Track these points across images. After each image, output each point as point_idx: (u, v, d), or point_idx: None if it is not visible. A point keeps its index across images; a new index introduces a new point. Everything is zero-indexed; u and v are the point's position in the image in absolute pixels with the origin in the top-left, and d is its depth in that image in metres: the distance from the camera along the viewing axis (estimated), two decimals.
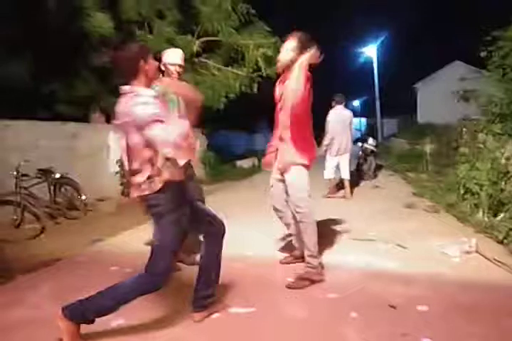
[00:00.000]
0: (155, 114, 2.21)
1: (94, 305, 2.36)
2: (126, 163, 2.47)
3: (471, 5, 27.12)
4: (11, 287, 3.40)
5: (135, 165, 2.37)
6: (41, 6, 7.51)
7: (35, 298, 3.12)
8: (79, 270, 3.75)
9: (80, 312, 2.34)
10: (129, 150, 2.38)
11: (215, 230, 2.66)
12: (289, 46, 3.23)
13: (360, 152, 9.92)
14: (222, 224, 2.68)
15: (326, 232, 4.65)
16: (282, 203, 3.49)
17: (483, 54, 6.58)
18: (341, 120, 7.27)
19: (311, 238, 3.25)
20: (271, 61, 10.04)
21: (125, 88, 2.35)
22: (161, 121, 2.21)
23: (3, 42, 7.46)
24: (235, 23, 9.92)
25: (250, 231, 4.95)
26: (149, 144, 2.27)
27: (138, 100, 2.25)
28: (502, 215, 4.63)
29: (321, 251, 3.84)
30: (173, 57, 3.66)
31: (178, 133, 2.24)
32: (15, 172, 5.36)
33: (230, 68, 10.34)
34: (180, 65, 3.66)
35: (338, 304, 2.84)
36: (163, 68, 3.62)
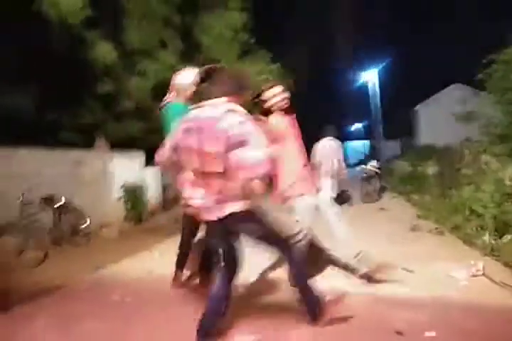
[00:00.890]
0: (249, 133, 2.32)
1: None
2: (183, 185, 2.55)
3: (470, 28, 27.64)
4: (10, 315, 3.35)
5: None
6: (46, 35, 7.73)
7: (32, 328, 3.07)
8: (79, 299, 3.71)
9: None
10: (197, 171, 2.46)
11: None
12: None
13: (364, 174, 9.93)
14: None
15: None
16: None
17: (480, 76, 6.69)
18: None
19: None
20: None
21: (216, 101, 2.45)
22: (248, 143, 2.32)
23: (7, 72, 7.66)
24: (236, 51, 10.17)
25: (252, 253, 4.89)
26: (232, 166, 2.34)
27: (235, 118, 2.36)
28: (508, 237, 4.58)
29: (326, 274, 3.80)
30: (189, 77, 3.58)
31: (268, 158, 2.31)
32: (19, 199, 5.39)
33: None
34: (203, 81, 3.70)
35: (345, 329, 2.78)
36: (177, 90, 3.67)
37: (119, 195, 7.88)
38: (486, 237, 4.82)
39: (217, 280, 2.63)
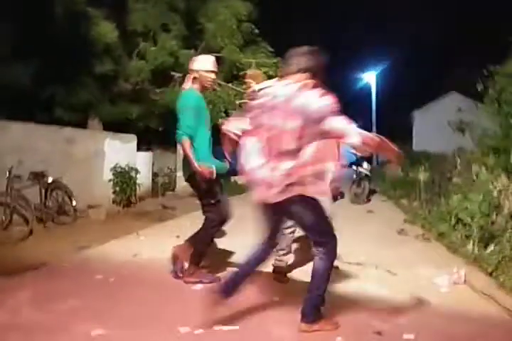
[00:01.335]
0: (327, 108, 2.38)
1: (313, 299, 2.62)
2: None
3: (470, 38, 27.84)
4: None
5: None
6: (48, 11, 7.59)
7: (14, 302, 3.04)
8: (63, 276, 3.68)
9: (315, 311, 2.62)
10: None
11: None
12: None
13: (355, 175, 9.97)
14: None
15: None
16: None
17: (479, 87, 6.72)
18: None
19: None
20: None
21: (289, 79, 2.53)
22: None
23: (8, 44, 7.52)
24: (238, 42, 10.10)
25: (243, 246, 4.90)
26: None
27: (311, 94, 2.42)
28: (492, 248, 4.63)
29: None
30: (208, 64, 3.56)
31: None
32: (7, 174, 5.32)
33: (230, 84, 10.45)
34: (215, 72, 3.61)
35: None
36: (195, 76, 3.53)
37: (109, 177, 7.82)
38: (471, 246, 4.88)
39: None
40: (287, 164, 2.46)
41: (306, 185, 2.48)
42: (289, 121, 2.43)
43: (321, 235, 2.68)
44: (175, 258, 3.65)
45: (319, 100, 2.39)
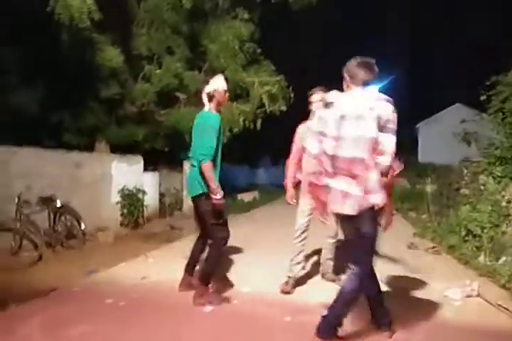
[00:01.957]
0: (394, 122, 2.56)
1: (331, 318, 2.60)
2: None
3: (471, 50, 28.02)
4: (2, 316, 3.32)
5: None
6: (55, 37, 7.78)
7: (26, 329, 3.04)
8: (73, 301, 3.68)
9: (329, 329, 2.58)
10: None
11: None
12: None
13: None
14: None
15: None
16: None
17: (483, 98, 6.73)
18: None
19: None
20: (275, 98, 10.30)
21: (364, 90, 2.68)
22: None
23: (16, 69, 7.70)
24: (241, 61, 10.24)
25: (249, 266, 4.88)
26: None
27: (388, 106, 2.58)
28: (504, 258, 4.58)
29: (324, 291, 3.79)
30: (222, 83, 3.70)
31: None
32: (16, 199, 5.38)
33: (235, 104, 10.57)
34: (228, 91, 3.77)
35: None
36: (212, 95, 3.64)
37: (117, 199, 7.87)
38: (482, 258, 4.82)
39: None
40: (364, 175, 2.53)
41: (376, 195, 2.56)
42: (370, 131, 2.53)
43: (365, 253, 2.70)
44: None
45: (392, 112, 2.55)
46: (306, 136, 3.02)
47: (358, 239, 2.68)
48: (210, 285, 3.63)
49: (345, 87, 2.82)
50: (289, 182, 4.08)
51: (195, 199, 3.63)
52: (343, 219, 2.73)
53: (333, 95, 2.74)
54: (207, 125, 3.52)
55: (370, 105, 2.56)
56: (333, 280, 4.09)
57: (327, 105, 2.69)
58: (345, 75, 2.77)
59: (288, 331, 2.99)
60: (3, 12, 6.95)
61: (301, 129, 4.00)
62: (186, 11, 9.28)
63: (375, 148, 2.52)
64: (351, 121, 2.56)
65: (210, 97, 3.64)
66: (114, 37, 8.62)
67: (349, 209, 2.54)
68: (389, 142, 2.53)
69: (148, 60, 9.59)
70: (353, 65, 2.74)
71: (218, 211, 3.50)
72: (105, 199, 7.73)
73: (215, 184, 3.41)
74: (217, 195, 3.40)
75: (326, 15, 15.09)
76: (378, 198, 2.55)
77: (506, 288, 3.90)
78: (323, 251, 4.21)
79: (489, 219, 5.13)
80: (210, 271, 3.58)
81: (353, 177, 2.54)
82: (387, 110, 2.56)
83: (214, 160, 3.52)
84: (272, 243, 6.33)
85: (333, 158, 2.60)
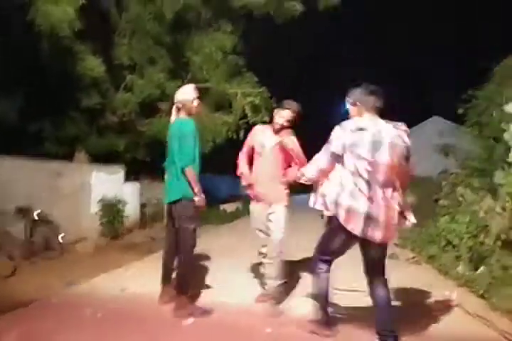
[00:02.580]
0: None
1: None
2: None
3: (449, 63, 28.83)
4: None
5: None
6: (35, 46, 7.69)
7: None
8: (52, 313, 3.58)
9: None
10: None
11: None
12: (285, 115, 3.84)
13: None
14: None
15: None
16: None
17: (460, 111, 6.90)
18: None
19: None
20: (257, 109, 10.36)
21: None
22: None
23: None
24: (224, 73, 10.31)
25: (231, 276, 4.85)
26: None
27: (407, 136, 2.91)
28: (482, 269, 4.65)
29: (304, 302, 3.78)
30: (191, 92, 3.74)
31: None
32: None
33: (217, 114, 10.60)
34: (198, 98, 3.78)
35: None
36: (179, 106, 3.72)
37: (97, 210, 7.75)
38: (461, 268, 4.89)
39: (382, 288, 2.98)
40: (396, 201, 2.76)
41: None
42: (398, 158, 2.77)
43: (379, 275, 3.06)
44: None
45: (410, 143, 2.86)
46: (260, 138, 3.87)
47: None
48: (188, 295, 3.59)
49: (354, 113, 2.99)
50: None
51: (171, 203, 3.67)
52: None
53: (363, 121, 2.86)
54: (183, 131, 3.60)
55: (398, 133, 2.82)
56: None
57: (360, 129, 2.81)
58: (356, 103, 2.96)
59: None
60: None
61: (258, 130, 4.13)
62: (168, 21, 9.32)
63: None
64: (386, 147, 2.74)
65: (178, 109, 3.75)
66: (96, 46, 8.57)
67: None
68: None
69: (130, 69, 9.56)
70: (362, 93, 2.93)
71: (196, 216, 3.60)
72: (84, 209, 7.60)
73: (198, 186, 3.54)
74: (202, 196, 3.55)
75: (309, 29, 15.32)
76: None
77: (485, 298, 3.96)
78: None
79: (467, 230, 5.21)
80: (184, 278, 3.58)
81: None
82: (407, 138, 2.86)
83: (195, 168, 3.61)
84: (254, 253, 6.30)
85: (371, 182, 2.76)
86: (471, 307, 3.67)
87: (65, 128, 8.59)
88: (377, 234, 2.71)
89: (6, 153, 6.26)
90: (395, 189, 2.77)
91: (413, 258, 6.01)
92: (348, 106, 3.10)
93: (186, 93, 3.74)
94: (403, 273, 5.16)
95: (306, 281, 4.25)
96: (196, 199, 3.54)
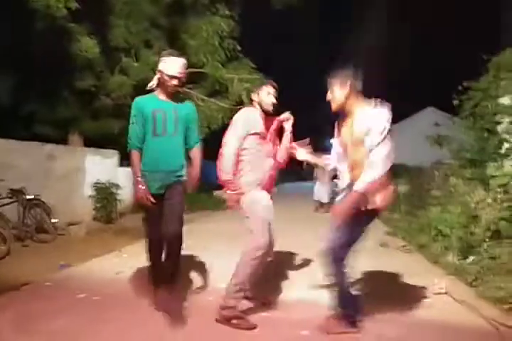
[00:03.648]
0: None
1: None
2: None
3: (444, 56, 28.77)
4: None
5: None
6: (29, 26, 7.56)
7: None
8: (45, 296, 3.61)
9: None
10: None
11: None
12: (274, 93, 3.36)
13: (335, 188, 10.09)
14: None
15: (301, 268, 4.66)
16: None
17: (455, 102, 6.91)
18: None
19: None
20: None
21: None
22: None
23: None
24: (221, 58, 10.21)
25: (226, 262, 4.88)
26: None
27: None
28: (472, 258, 4.73)
29: (296, 287, 3.84)
30: (172, 68, 3.12)
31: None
32: None
33: (213, 100, 10.53)
34: (178, 78, 3.17)
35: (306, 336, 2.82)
36: (159, 77, 3.20)
37: (90, 193, 7.74)
38: (451, 257, 4.97)
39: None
40: None
41: None
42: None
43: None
44: None
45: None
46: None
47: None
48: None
49: (341, 97, 2.78)
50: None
51: None
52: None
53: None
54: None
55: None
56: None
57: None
58: (350, 85, 2.76)
59: (265, 325, 3.02)
60: None
61: (256, 114, 3.53)
62: (165, 4, 9.18)
63: None
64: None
65: (157, 78, 3.22)
66: (91, 27, 8.45)
67: None
68: None
69: (126, 52, 9.44)
70: (353, 75, 2.80)
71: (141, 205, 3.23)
72: (78, 192, 7.58)
73: (136, 175, 3.14)
74: (139, 187, 3.11)
75: (307, 15, 15.17)
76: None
77: (473, 286, 4.04)
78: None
79: (458, 220, 5.28)
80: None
81: None
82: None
83: (146, 148, 3.21)
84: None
85: None
86: (459, 295, 3.73)
87: (58, 110, 8.51)
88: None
89: None
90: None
91: (404, 246, 6.09)
92: (335, 89, 2.80)
93: (168, 66, 3.15)
94: (393, 260, 5.24)
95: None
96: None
